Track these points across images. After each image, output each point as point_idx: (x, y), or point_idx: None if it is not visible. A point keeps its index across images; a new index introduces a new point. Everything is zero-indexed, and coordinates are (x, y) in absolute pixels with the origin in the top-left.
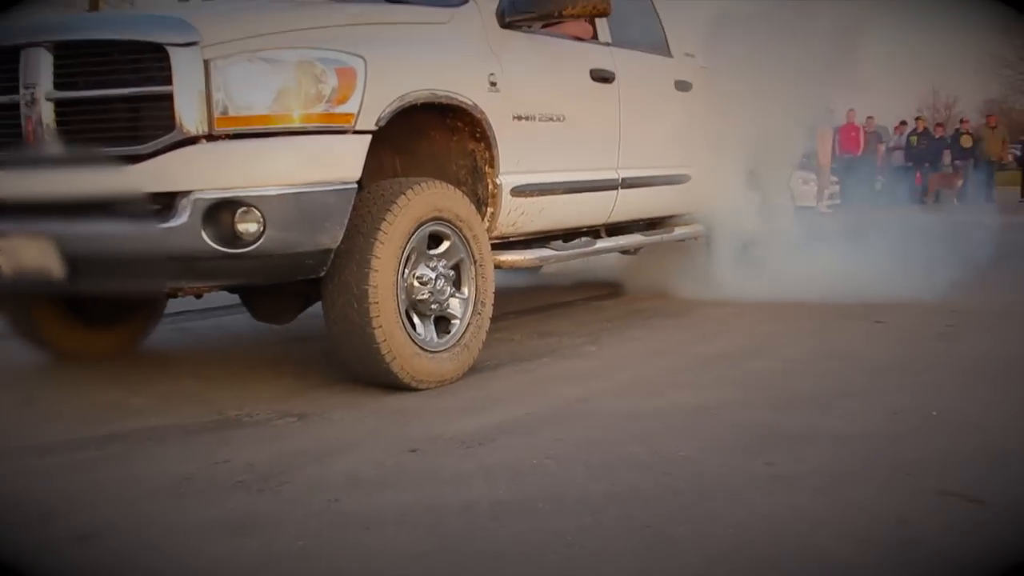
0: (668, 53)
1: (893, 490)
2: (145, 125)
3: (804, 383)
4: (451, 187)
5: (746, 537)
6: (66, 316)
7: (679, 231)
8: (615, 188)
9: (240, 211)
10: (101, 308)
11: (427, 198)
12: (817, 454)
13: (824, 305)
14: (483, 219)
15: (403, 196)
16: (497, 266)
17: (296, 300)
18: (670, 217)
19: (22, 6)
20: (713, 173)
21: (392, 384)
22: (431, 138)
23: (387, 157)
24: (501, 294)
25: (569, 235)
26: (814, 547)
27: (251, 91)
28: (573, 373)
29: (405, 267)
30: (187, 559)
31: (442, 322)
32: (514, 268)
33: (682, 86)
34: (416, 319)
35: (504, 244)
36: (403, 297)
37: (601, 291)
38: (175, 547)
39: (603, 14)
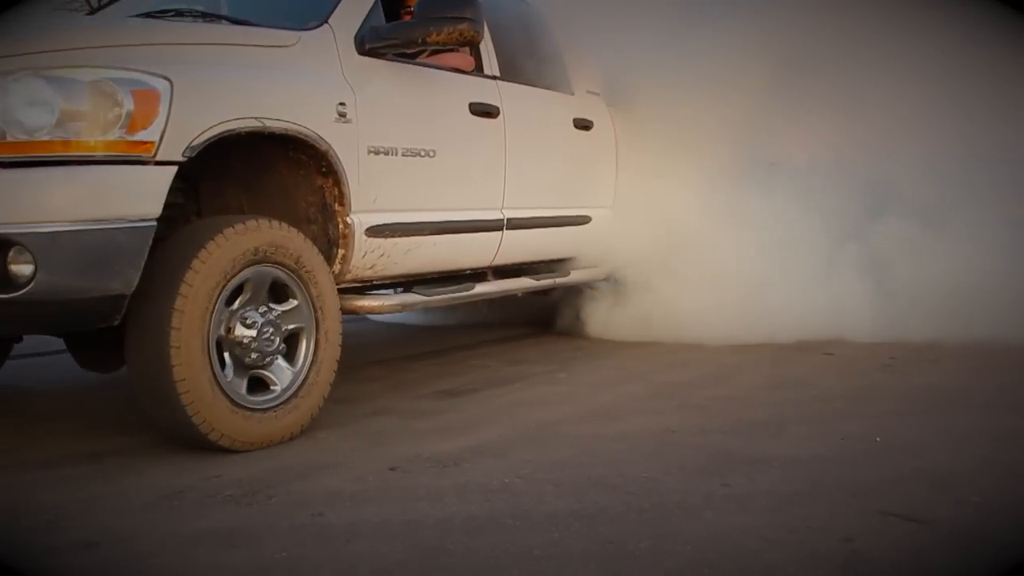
0: (569, 90)
1: (840, 510)
2: None
3: (759, 410)
4: (282, 225)
5: (703, 553)
6: None
7: (575, 275)
8: (500, 229)
9: (13, 250)
10: None
11: (249, 238)
12: (770, 476)
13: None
14: (334, 261)
15: (217, 237)
16: (353, 311)
17: (118, 347)
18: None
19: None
20: (619, 214)
21: (204, 446)
22: (279, 173)
23: (231, 193)
24: (472, 326)
25: (451, 277)
26: (766, 563)
27: (32, 113)
28: (544, 398)
29: (222, 316)
30: (180, 567)
31: (286, 366)
32: (373, 314)
33: (582, 124)
34: (243, 373)
35: (368, 287)
36: (219, 349)
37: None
38: (170, 555)
39: (472, 42)
